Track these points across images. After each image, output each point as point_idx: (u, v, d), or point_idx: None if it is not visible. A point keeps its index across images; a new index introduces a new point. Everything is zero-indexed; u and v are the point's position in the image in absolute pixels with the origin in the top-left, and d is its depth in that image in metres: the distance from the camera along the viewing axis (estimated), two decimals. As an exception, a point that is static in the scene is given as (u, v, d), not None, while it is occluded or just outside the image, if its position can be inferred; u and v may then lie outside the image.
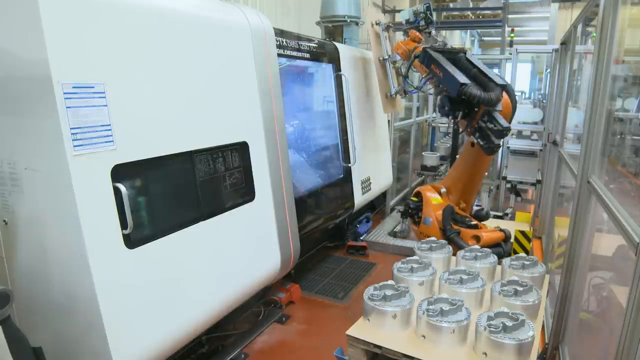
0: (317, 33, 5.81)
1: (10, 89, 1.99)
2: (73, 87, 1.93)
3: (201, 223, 2.66)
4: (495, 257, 2.78)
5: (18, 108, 2.00)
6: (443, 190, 4.40)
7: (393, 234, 5.72)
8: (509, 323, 1.94)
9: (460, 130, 4.16)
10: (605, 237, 2.58)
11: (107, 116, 2.08)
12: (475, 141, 3.92)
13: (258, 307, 3.89)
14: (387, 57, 4.90)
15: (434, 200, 4.33)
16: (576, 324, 2.78)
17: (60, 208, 2.00)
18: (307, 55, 4.20)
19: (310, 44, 4.31)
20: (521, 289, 2.28)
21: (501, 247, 4.09)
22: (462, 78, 3.66)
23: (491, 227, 4.47)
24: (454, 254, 2.89)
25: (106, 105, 2.08)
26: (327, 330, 3.69)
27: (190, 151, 2.60)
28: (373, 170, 5.54)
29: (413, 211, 4.51)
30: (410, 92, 4.75)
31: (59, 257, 2.07)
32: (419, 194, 4.50)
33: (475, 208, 4.92)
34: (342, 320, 3.75)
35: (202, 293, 2.66)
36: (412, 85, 4.58)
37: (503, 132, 3.77)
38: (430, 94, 4.70)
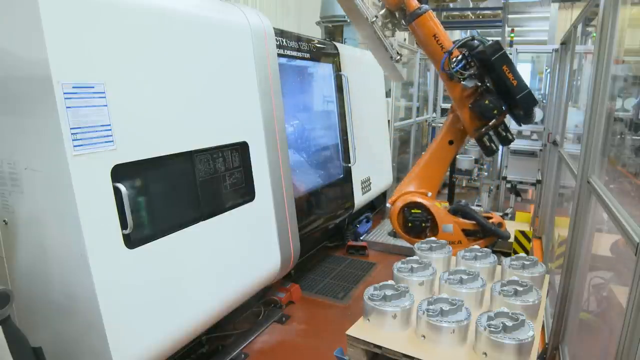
0: (317, 33, 5.81)
1: (10, 89, 1.99)
2: (73, 87, 1.93)
3: (201, 223, 2.66)
4: (495, 257, 2.78)
5: (18, 108, 2.00)
6: (429, 194, 4.21)
7: (393, 234, 5.72)
8: (509, 323, 1.94)
9: (471, 131, 3.94)
10: (606, 237, 2.58)
11: (107, 116, 2.08)
12: (488, 144, 3.94)
13: (258, 307, 3.89)
14: (374, 19, 3.97)
15: (439, 205, 4.18)
16: (576, 324, 2.78)
17: (60, 208, 2.00)
18: (307, 55, 4.21)
19: (310, 44, 4.31)
20: (521, 289, 2.28)
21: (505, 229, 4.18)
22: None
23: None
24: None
25: (106, 105, 2.08)
26: (327, 330, 3.69)
27: (190, 151, 2.60)
28: (373, 170, 5.54)
29: (426, 224, 3.96)
30: (455, 76, 3.78)
31: (59, 257, 2.07)
32: (418, 205, 3.99)
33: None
34: (342, 320, 3.75)
35: (202, 293, 2.66)
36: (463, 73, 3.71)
37: (511, 141, 4.08)
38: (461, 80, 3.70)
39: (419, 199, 4.02)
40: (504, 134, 3.96)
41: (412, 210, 3.98)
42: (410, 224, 3.99)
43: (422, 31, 3.72)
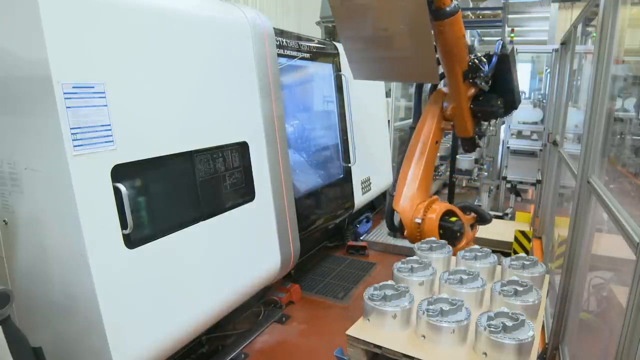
0: (317, 33, 5.82)
1: (10, 89, 1.99)
2: (73, 87, 1.93)
3: (201, 223, 2.66)
4: (495, 257, 2.77)
5: (18, 108, 2.00)
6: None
7: (393, 234, 5.72)
8: (509, 323, 1.93)
9: (472, 130, 4.00)
10: (605, 237, 2.58)
11: (107, 116, 2.08)
12: (478, 140, 4.11)
13: (258, 307, 3.89)
14: None
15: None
16: (576, 324, 2.78)
17: (60, 208, 2.00)
18: (307, 55, 4.21)
19: (310, 44, 4.31)
20: (521, 289, 2.28)
21: None
22: None
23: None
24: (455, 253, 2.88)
25: (106, 105, 2.09)
26: (327, 330, 3.69)
27: (190, 151, 2.60)
28: (373, 170, 5.54)
29: (465, 229, 3.81)
30: (482, 79, 3.62)
31: (59, 257, 2.07)
32: (452, 212, 3.79)
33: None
34: (342, 320, 3.75)
35: (202, 293, 2.66)
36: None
37: (485, 136, 4.32)
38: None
39: (448, 206, 3.82)
40: (483, 128, 4.17)
41: (451, 219, 3.71)
42: (458, 233, 3.70)
43: (453, 30, 3.23)
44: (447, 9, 3.12)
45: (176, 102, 2.51)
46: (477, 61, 3.52)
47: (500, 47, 3.64)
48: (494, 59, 3.57)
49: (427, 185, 4.00)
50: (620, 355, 1.57)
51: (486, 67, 3.55)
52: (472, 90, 3.74)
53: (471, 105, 3.80)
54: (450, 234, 3.65)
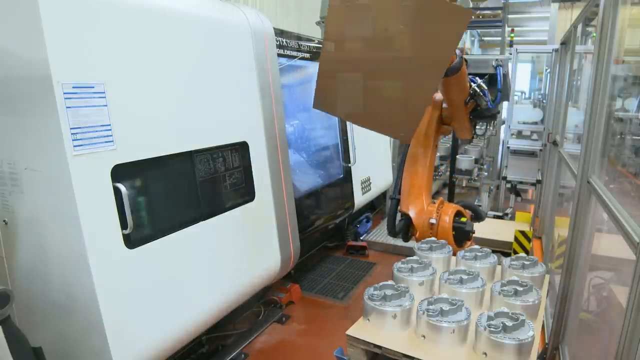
0: (317, 33, 5.81)
1: (10, 89, 1.99)
2: (73, 87, 1.93)
3: (201, 223, 2.66)
4: (495, 257, 2.77)
5: (18, 108, 2.00)
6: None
7: (393, 234, 5.71)
8: (509, 323, 1.93)
9: (471, 135, 4.07)
10: (605, 237, 2.58)
11: (107, 116, 2.09)
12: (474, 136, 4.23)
13: (258, 307, 3.89)
14: None
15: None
16: (576, 324, 2.78)
17: (60, 208, 2.00)
18: (307, 55, 4.21)
19: (310, 44, 4.31)
20: (521, 289, 2.28)
21: None
22: None
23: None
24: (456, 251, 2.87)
25: (106, 105, 2.09)
26: (327, 330, 3.69)
27: (191, 151, 2.60)
28: (373, 170, 5.54)
29: (474, 231, 3.76)
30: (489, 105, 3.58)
31: (59, 257, 2.07)
32: (460, 213, 3.72)
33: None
34: (342, 320, 3.75)
35: (202, 293, 2.66)
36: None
37: None
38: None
39: (457, 207, 3.76)
40: (483, 128, 4.41)
41: (462, 219, 3.63)
42: (471, 233, 3.65)
43: (458, 81, 3.12)
44: (460, 59, 2.94)
45: (176, 102, 2.51)
46: (477, 89, 3.47)
47: (501, 74, 3.59)
48: (499, 97, 3.61)
49: (430, 187, 4.00)
50: (620, 355, 1.57)
51: (489, 95, 3.52)
52: (471, 104, 3.78)
53: (470, 116, 3.82)
54: (462, 234, 3.60)
